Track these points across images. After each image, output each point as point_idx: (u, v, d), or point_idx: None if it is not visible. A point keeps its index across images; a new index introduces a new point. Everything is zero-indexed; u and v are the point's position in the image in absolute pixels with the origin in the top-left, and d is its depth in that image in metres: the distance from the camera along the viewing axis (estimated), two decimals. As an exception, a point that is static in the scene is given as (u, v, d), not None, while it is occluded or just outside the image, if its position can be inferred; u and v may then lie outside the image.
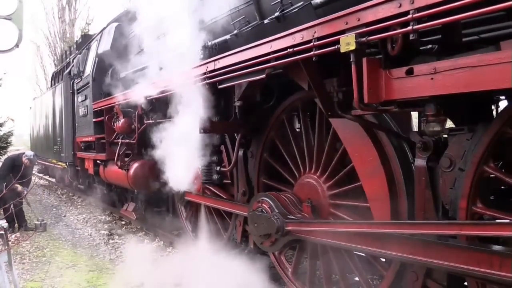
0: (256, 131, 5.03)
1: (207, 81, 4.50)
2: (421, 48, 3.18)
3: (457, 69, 2.46)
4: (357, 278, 4.36)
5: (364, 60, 2.82)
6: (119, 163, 7.98)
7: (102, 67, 9.20)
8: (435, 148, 3.15)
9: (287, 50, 3.34)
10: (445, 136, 3.17)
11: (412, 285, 3.42)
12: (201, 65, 4.59)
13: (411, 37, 2.51)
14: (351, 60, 2.88)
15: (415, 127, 4.07)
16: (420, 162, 3.22)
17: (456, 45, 2.97)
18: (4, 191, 4.78)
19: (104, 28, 9.72)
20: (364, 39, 2.76)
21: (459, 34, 3.04)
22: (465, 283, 3.30)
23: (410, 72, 2.73)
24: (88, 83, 9.82)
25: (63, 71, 14.04)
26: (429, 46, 3.27)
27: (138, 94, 6.22)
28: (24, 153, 9.94)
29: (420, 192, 3.25)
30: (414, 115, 4.06)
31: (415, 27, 2.45)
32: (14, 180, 5.63)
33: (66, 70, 13.41)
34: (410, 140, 3.40)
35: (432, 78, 2.60)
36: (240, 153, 5.23)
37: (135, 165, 7.61)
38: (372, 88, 2.83)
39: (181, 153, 5.25)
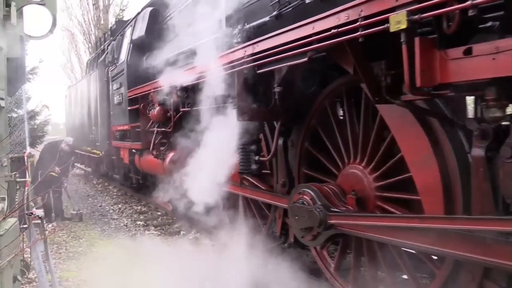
0: (297, 119, 4.85)
1: (245, 66, 4.38)
2: (480, 26, 2.93)
3: (523, 48, 2.24)
4: (405, 277, 4.15)
5: (417, 40, 2.67)
6: (154, 152, 7.93)
7: (137, 53, 9.17)
8: (495, 136, 2.90)
9: (331, 31, 3.20)
10: (507, 123, 2.91)
11: (467, 285, 3.20)
12: (239, 49, 4.49)
13: (470, 13, 2.37)
14: (401, 40, 2.72)
15: (470, 114, 3.81)
16: (477, 151, 2.97)
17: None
18: (44, 176, 4.79)
19: (138, 14, 9.67)
20: (416, 16, 2.60)
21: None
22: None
23: (468, 52, 2.57)
24: (122, 70, 9.82)
25: (98, 59, 14.16)
26: (490, 23, 3.01)
27: (174, 81, 6.13)
28: (63, 139, 10.13)
29: (478, 184, 3.01)
30: (469, 100, 3.81)
31: (474, 2, 2.31)
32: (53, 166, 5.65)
33: (100, 57, 13.50)
34: (466, 128, 3.16)
35: (493, 59, 2.45)
36: (280, 142, 5.05)
37: (171, 155, 7.53)
38: (425, 70, 2.69)
39: (218, 142, 5.12)
